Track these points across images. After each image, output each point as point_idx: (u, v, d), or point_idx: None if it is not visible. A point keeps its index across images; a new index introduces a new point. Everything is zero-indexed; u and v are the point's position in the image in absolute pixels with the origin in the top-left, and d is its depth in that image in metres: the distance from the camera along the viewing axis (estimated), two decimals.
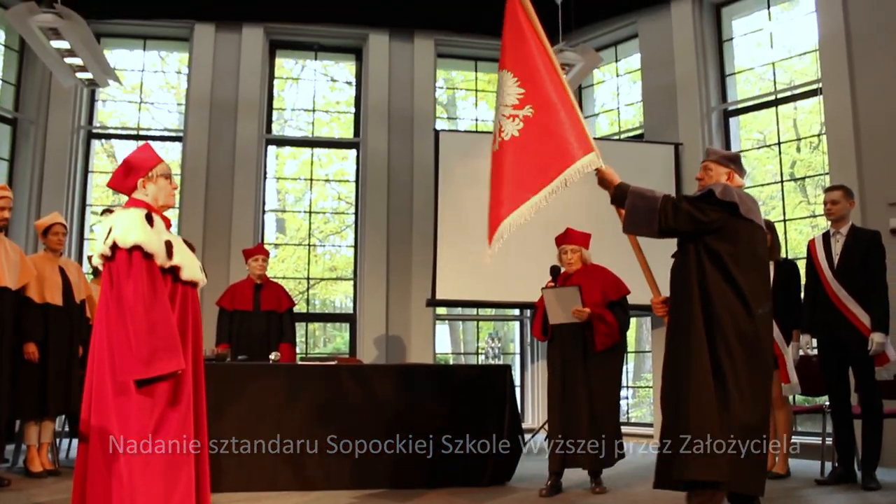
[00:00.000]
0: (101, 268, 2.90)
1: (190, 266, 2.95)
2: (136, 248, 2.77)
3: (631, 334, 5.20)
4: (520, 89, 3.64)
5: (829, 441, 5.09)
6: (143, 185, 2.99)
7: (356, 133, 8.59)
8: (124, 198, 3.07)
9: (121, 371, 2.70)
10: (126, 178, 3.00)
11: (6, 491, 4.40)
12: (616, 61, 8.60)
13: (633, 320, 4.89)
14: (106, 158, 8.61)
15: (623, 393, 6.66)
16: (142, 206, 2.95)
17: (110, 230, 2.81)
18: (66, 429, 6.03)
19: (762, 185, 7.67)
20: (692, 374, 3.12)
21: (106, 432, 2.73)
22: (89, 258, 6.04)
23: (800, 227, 7.92)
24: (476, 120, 9.16)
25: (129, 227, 2.79)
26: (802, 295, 5.01)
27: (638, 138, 8.01)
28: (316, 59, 8.82)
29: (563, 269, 4.84)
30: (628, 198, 3.36)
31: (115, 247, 2.78)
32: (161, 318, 2.74)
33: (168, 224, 3.02)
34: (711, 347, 3.14)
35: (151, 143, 8.45)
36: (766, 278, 3.32)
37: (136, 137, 8.42)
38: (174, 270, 2.89)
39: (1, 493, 4.32)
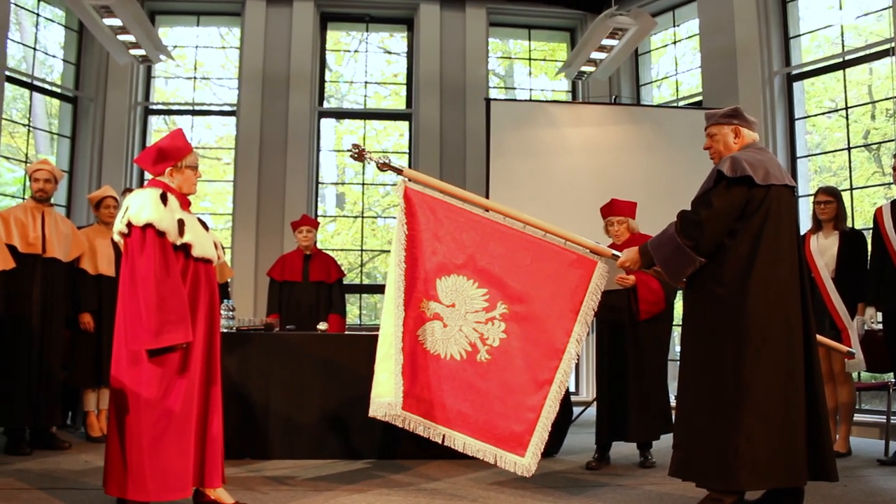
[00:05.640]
0: (121, 245, 3.06)
1: (201, 244, 3.07)
2: (149, 225, 2.91)
3: (678, 304, 5.03)
4: (481, 290, 3.50)
5: (893, 420, 4.86)
6: (170, 174, 3.15)
7: (408, 104, 8.55)
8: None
9: (132, 341, 2.86)
10: (156, 164, 3.15)
11: (65, 454, 4.57)
12: (675, 26, 8.30)
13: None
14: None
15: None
16: (161, 186, 3.09)
17: (126, 209, 2.98)
18: None
19: (831, 151, 7.30)
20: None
21: (122, 397, 2.88)
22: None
23: (875, 199, 7.52)
24: (531, 90, 8.99)
25: (142, 206, 2.94)
26: (869, 267, 4.76)
27: (697, 105, 7.72)
28: (367, 30, 8.78)
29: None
30: (653, 256, 3.21)
31: (130, 225, 2.94)
32: (171, 292, 2.87)
33: (186, 204, 3.15)
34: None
35: (207, 118, 8.65)
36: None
37: (192, 113, 8.56)
38: (186, 248, 3.01)
39: (60, 456, 4.49)
